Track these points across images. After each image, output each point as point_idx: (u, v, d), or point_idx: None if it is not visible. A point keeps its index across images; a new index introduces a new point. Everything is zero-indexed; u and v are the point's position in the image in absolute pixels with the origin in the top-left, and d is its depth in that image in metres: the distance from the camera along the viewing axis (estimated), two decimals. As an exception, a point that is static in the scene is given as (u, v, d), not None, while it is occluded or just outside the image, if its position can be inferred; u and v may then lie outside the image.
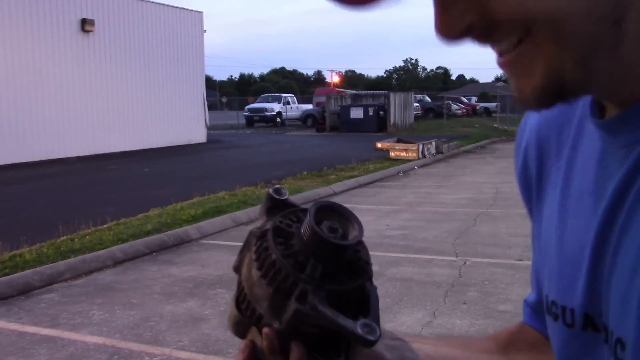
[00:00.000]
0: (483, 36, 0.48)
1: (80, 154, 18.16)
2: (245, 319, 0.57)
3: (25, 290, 5.59)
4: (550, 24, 0.45)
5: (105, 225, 7.84)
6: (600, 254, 0.54)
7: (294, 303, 0.52)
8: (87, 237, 7.22)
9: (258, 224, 0.59)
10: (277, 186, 0.61)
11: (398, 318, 4.80)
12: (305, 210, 0.56)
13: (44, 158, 17.02)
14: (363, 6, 0.49)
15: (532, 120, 0.70)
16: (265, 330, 0.54)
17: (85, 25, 18.89)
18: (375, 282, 0.57)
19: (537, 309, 0.76)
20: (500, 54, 0.49)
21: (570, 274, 0.58)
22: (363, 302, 0.54)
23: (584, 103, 0.61)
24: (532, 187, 0.69)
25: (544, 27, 0.45)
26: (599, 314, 0.55)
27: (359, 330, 0.51)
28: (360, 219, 0.58)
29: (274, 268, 0.53)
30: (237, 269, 0.60)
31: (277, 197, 0.60)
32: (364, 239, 0.56)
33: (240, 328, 0.59)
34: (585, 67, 0.46)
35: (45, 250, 6.57)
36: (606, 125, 0.54)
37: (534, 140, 0.68)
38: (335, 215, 0.55)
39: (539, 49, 0.46)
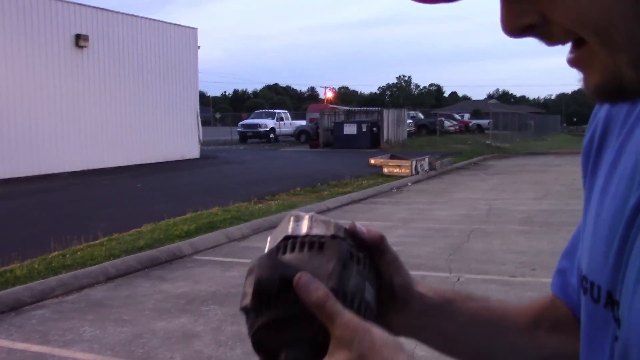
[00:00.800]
0: (543, 36, 0.49)
1: (73, 169, 18.09)
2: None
3: (16, 307, 5.53)
4: (601, 33, 0.46)
5: (97, 241, 7.79)
6: (627, 238, 0.56)
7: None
8: (79, 252, 7.17)
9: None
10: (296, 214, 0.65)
11: (392, 335, 4.77)
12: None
13: (36, 173, 16.96)
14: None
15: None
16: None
17: (80, 40, 18.93)
18: None
19: (567, 278, 0.77)
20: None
21: (601, 252, 0.60)
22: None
23: None
24: (590, 161, 0.70)
25: (595, 36, 0.46)
26: (618, 295, 0.57)
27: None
28: None
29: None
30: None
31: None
32: None
33: None
34: (639, 69, 0.47)
35: (36, 266, 6.52)
36: None
37: (604, 116, 0.69)
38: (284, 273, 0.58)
39: (595, 53, 0.47)
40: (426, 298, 0.73)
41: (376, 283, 0.63)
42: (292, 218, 0.63)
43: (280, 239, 0.61)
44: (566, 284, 0.77)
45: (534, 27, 0.49)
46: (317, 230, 0.60)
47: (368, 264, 0.63)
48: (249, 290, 0.58)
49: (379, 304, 0.65)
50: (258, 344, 0.58)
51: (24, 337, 4.85)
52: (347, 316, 0.55)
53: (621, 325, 0.52)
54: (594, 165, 0.69)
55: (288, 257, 0.59)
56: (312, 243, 0.59)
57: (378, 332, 0.55)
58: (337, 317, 0.54)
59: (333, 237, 0.60)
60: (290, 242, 0.60)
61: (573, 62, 0.50)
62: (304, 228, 0.61)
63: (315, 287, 0.55)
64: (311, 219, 0.62)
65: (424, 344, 0.75)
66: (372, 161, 18.07)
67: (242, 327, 4.80)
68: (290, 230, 0.61)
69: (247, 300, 0.58)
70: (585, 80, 0.50)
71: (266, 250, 0.61)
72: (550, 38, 0.49)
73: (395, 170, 16.48)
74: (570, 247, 0.77)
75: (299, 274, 0.55)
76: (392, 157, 18.54)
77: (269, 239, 0.63)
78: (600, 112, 0.71)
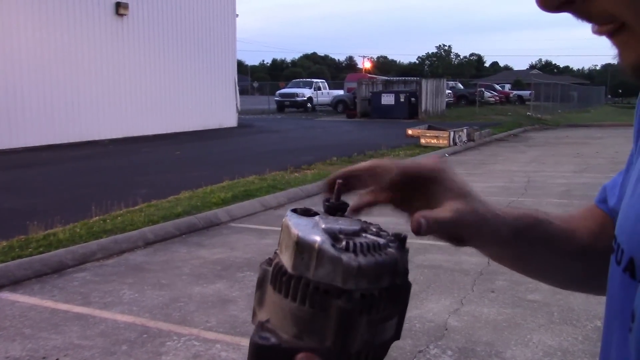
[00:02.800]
0: (581, 14, 0.49)
1: (114, 137, 18.41)
2: None
3: (59, 269, 5.71)
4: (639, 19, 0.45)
5: (136, 207, 7.94)
6: None
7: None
8: (119, 218, 7.33)
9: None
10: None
11: (425, 305, 4.79)
12: None
13: (77, 140, 17.30)
14: None
15: None
16: None
17: (120, 8, 19.06)
18: None
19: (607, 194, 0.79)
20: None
21: (632, 217, 0.59)
22: None
23: None
24: None
25: (635, 18, 0.46)
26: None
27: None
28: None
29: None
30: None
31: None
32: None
33: None
34: None
35: (78, 230, 6.69)
36: None
37: None
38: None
39: (633, 34, 0.47)
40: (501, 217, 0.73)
41: (401, 309, 0.56)
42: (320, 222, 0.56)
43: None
44: (605, 197, 0.80)
45: (572, 2, 0.48)
46: (323, 271, 0.51)
47: (389, 296, 0.53)
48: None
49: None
50: None
51: (66, 298, 5.01)
52: None
53: (635, 318, 0.51)
54: None
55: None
56: (314, 294, 0.52)
57: None
58: None
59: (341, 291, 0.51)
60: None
61: (608, 37, 0.49)
62: (310, 268, 0.52)
63: None
64: (319, 251, 0.52)
65: (483, 242, 0.74)
66: (410, 132, 17.92)
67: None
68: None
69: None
70: (622, 57, 0.49)
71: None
72: (589, 17, 0.48)
73: (432, 141, 16.33)
74: (613, 182, 0.78)
75: (299, 355, 0.51)
76: (430, 127, 18.36)
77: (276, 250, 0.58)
78: None
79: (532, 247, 0.75)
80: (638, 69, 0.48)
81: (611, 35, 0.48)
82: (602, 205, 0.80)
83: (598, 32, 0.49)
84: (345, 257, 0.51)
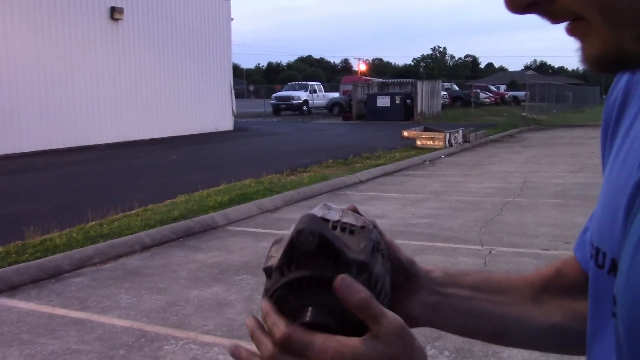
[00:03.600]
0: (546, 14, 0.49)
1: (109, 141, 18.40)
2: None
3: (56, 274, 5.71)
4: (607, 11, 0.45)
5: (133, 211, 7.94)
6: (633, 206, 0.55)
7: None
8: (116, 222, 7.33)
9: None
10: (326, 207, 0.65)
11: (422, 306, 4.80)
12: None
13: (73, 145, 17.29)
14: None
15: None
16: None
17: (115, 13, 19.07)
18: None
19: (585, 236, 0.78)
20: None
21: (608, 219, 0.60)
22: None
23: None
24: (609, 131, 0.70)
25: (600, 14, 0.46)
26: None
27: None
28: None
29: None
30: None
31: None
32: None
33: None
34: None
35: (74, 235, 6.69)
36: None
37: (624, 85, 0.69)
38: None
39: (593, 27, 0.47)
40: (431, 272, 0.74)
41: (391, 278, 0.64)
42: (323, 206, 0.64)
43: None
44: (583, 241, 0.77)
45: (537, 4, 0.48)
46: (348, 220, 0.61)
47: (387, 257, 0.64)
48: (277, 253, 0.59)
49: (396, 290, 0.67)
50: (278, 302, 0.58)
51: (64, 303, 5.01)
52: (391, 316, 0.55)
53: (616, 302, 0.52)
54: (612, 134, 0.68)
55: None
56: (343, 227, 0.60)
57: (416, 337, 0.57)
58: (382, 317, 0.54)
59: (362, 227, 0.61)
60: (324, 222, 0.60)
61: (571, 32, 0.50)
62: (335, 215, 0.62)
63: (357, 289, 0.54)
64: (342, 210, 0.63)
65: (442, 329, 0.76)
66: (405, 133, 17.95)
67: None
68: (321, 214, 0.62)
69: (275, 260, 0.58)
70: (583, 50, 0.49)
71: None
72: (553, 16, 0.49)
73: (428, 143, 16.36)
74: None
75: (340, 276, 0.55)
76: (426, 129, 18.39)
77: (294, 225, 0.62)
78: (621, 81, 0.70)
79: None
80: (599, 61, 0.49)
81: (573, 30, 0.49)
82: (578, 252, 0.80)
83: (568, 30, 0.50)
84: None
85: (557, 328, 0.77)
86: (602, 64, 0.49)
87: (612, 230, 0.58)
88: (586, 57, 0.49)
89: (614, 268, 0.58)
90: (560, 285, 0.79)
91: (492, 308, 0.76)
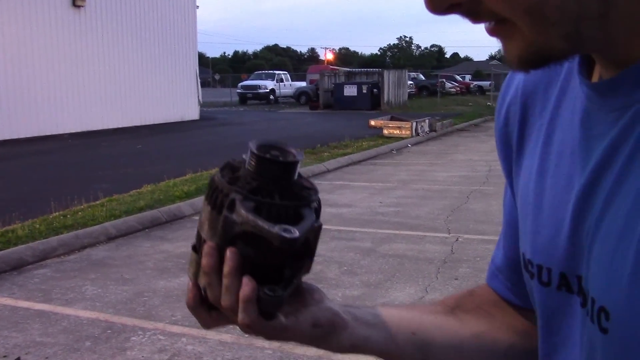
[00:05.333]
0: (469, 14, 0.49)
1: (73, 131, 18.06)
2: (198, 256, 0.61)
3: (18, 266, 5.59)
4: (533, 12, 0.45)
5: (97, 202, 7.82)
6: (582, 217, 0.53)
7: (224, 212, 0.56)
8: (80, 213, 7.20)
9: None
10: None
11: (390, 293, 4.83)
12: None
13: (35, 135, 16.92)
14: None
15: (518, 76, 0.69)
16: (204, 247, 0.58)
17: (77, 0, 18.66)
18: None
19: (501, 269, 0.77)
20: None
21: (548, 234, 0.58)
22: (298, 222, 0.56)
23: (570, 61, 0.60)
24: (513, 145, 0.68)
25: (526, 16, 0.46)
26: (574, 276, 0.55)
27: (276, 229, 0.53)
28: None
29: (213, 186, 0.58)
30: (201, 225, 0.62)
31: (234, 163, 0.63)
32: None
33: (194, 267, 0.62)
34: (571, 40, 0.47)
35: (37, 226, 6.56)
36: (598, 88, 0.54)
37: (519, 97, 0.67)
38: (277, 149, 0.58)
39: (517, 28, 0.47)
40: (346, 311, 0.68)
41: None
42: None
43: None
44: (494, 270, 0.78)
45: (459, 5, 0.48)
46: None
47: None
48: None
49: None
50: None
51: (27, 295, 4.91)
52: None
53: (610, 318, 0.49)
54: (518, 148, 0.67)
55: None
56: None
57: None
58: None
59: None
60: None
61: (493, 33, 0.49)
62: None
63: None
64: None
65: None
66: (372, 123, 17.99)
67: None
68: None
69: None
70: (506, 50, 0.49)
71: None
72: (477, 17, 0.49)
73: (395, 132, 16.43)
74: (504, 240, 0.76)
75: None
76: (393, 118, 18.46)
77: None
78: (509, 94, 0.70)
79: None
80: (523, 62, 0.49)
81: (495, 31, 0.49)
82: (490, 281, 0.79)
83: (490, 30, 0.49)
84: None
85: (480, 336, 0.75)
86: (527, 64, 0.49)
87: (556, 244, 0.57)
88: (511, 58, 0.50)
89: (564, 282, 0.56)
90: (474, 302, 0.79)
91: (406, 323, 0.73)
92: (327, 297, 0.67)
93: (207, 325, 0.64)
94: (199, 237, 0.61)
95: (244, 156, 0.60)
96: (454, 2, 0.48)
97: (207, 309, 0.62)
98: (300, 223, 0.56)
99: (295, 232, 0.54)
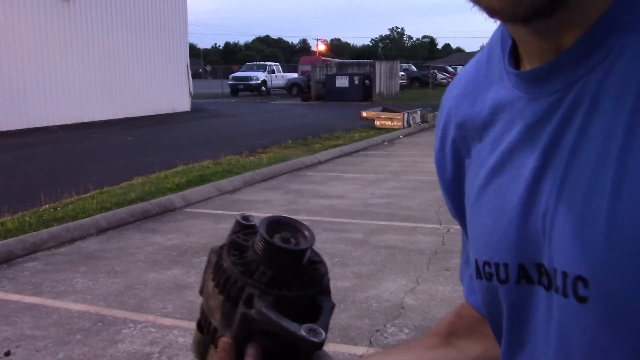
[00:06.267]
0: None
1: (63, 123, 17.94)
2: (205, 337, 0.59)
3: (8, 259, 5.55)
4: None
5: (88, 194, 7.78)
6: (534, 201, 0.54)
7: (241, 307, 0.54)
8: (70, 205, 7.16)
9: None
10: (244, 213, 0.62)
11: (382, 284, 4.84)
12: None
13: (24, 127, 16.79)
14: None
15: (448, 96, 0.72)
16: (220, 340, 0.56)
17: (66, -9, 18.50)
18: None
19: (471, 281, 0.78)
20: None
21: (501, 228, 0.58)
22: (315, 312, 0.55)
23: (489, 64, 0.64)
24: (455, 165, 0.70)
25: None
26: (532, 264, 0.55)
27: (302, 332, 0.52)
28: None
29: (225, 275, 0.56)
30: (201, 290, 0.61)
31: (244, 222, 0.61)
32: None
33: (200, 348, 0.60)
34: None
35: (27, 218, 6.52)
36: (538, 72, 0.55)
37: (453, 117, 0.69)
38: (288, 227, 0.57)
39: None
40: None
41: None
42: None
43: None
44: (471, 285, 0.78)
45: None
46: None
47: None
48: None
49: None
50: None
51: (17, 288, 4.88)
52: None
53: (589, 285, 0.49)
54: (461, 167, 0.69)
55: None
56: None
57: None
58: None
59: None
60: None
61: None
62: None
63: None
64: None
65: None
66: (364, 114, 17.98)
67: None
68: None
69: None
70: None
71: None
72: None
73: (387, 123, 16.43)
74: (466, 253, 0.77)
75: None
76: (384, 109, 18.45)
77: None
78: (442, 118, 0.72)
79: None
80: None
81: None
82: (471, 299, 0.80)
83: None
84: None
85: (480, 358, 0.76)
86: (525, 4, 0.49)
87: (510, 235, 0.57)
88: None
89: (523, 274, 0.56)
90: (464, 325, 0.79)
91: None
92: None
93: None
94: (205, 319, 0.59)
95: (241, 220, 0.60)
96: None
97: None
98: (321, 317, 0.55)
99: (322, 334, 0.53)
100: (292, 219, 0.58)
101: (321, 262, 0.59)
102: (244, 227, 0.61)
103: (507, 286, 0.58)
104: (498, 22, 0.57)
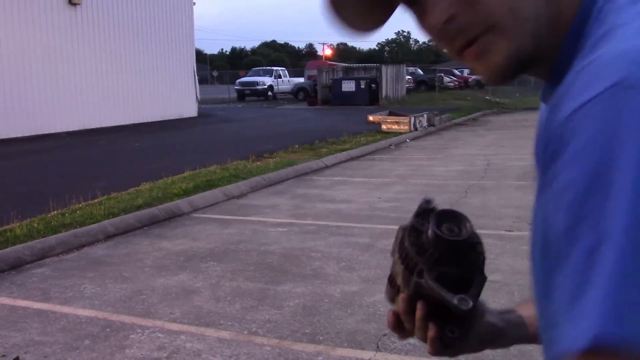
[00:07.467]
0: (459, 30, 0.58)
1: (70, 129, 18.02)
2: (393, 289, 0.80)
3: (17, 265, 5.58)
4: (514, 16, 0.55)
5: (96, 200, 7.81)
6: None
7: (414, 277, 0.73)
8: (78, 211, 7.19)
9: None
10: (427, 197, 0.79)
11: (389, 289, 4.82)
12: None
13: (32, 133, 16.89)
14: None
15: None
16: (400, 296, 0.77)
17: (73, -2, 18.61)
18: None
19: None
20: (461, 50, 0.59)
21: None
22: (470, 284, 0.71)
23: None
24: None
25: (509, 19, 0.56)
26: None
27: (455, 301, 0.68)
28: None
29: (405, 252, 0.75)
30: (392, 253, 0.80)
31: (426, 207, 0.77)
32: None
33: (389, 296, 0.82)
34: (537, 40, 0.57)
35: (35, 225, 6.55)
36: (541, 95, 0.66)
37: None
38: (454, 219, 0.73)
39: (496, 36, 0.56)
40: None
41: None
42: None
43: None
44: None
45: (453, 17, 0.58)
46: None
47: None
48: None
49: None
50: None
51: (25, 294, 4.90)
52: None
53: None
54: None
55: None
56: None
57: None
58: None
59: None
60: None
61: (473, 55, 0.58)
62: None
63: None
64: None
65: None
66: (371, 118, 17.98)
67: (240, 282, 4.79)
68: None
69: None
70: (486, 67, 0.58)
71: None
72: (462, 32, 0.58)
73: (393, 127, 16.42)
74: None
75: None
76: (391, 113, 18.44)
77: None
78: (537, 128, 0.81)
79: None
80: (506, 68, 0.58)
81: (472, 53, 0.58)
82: None
83: (469, 56, 0.59)
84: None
85: None
86: (509, 70, 0.58)
87: None
88: (493, 70, 0.58)
89: None
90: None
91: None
92: (487, 309, 0.85)
93: (403, 337, 0.83)
94: (392, 279, 0.79)
95: (424, 204, 0.78)
96: (449, 16, 0.57)
97: (403, 329, 0.80)
98: (471, 289, 0.70)
99: (469, 303, 0.68)
100: (458, 212, 0.73)
101: (479, 242, 0.74)
102: (425, 211, 0.77)
103: None
104: None
